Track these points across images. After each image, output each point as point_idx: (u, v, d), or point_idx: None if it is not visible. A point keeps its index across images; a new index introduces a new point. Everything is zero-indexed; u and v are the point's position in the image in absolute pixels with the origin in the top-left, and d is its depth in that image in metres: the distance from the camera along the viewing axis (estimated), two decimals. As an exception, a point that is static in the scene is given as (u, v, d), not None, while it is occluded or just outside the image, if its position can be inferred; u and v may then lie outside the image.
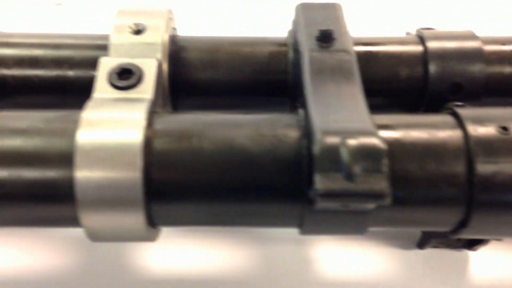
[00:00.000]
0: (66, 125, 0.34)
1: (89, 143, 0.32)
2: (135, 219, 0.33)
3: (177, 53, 0.43)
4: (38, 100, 0.44)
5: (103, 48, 0.42)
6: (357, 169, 0.27)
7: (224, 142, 0.33)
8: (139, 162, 0.32)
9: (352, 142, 0.28)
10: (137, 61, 0.38)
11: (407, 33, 0.49)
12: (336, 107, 0.33)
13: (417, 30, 0.47)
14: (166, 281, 0.45)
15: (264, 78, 0.44)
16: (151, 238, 0.35)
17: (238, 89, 0.44)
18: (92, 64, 0.43)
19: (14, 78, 0.43)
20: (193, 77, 0.44)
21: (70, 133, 0.33)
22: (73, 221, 0.34)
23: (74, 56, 0.43)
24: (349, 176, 0.27)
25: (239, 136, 0.34)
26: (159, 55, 0.40)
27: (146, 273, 0.45)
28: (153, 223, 0.34)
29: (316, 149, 0.28)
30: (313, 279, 0.45)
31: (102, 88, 0.36)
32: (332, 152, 0.28)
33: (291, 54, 0.43)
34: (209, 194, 0.33)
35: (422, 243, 0.45)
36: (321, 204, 0.29)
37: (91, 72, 0.43)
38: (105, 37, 0.43)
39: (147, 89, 0.37)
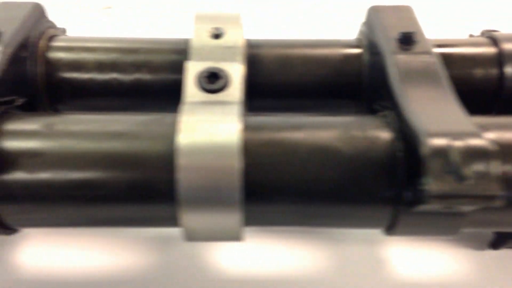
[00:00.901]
0: (164, 128, 0.35)
1: (189, 146, 0.33)
2: (232, 219, 0.34)
3: (253, 56, 0.44)
4: (115, 103, 0.45)
5: (181, 52, 0.44)
6: (468, 171, 0.28)
7: (317, 143, 0.34)
8: (237, 164, 0.32)
9: (460, 144, 0.29)
10: (223, 65, 0.39)
11: (470, 35, 0.49)
12: (433, 110, 0.33)
13: (485, 32, 0.47)
14: (240, 280, 0.45)
15: (338, 81, 0.45)
16: (241, 238, 0.36)
17: (311, 92, 0.45)
18: (171, 67, 0.44)
19: (94, 81, 0.44)
20: (268, 80, 0.44)
21: (169, 136, 0.34)
22: (172, 221, 0.35)
23: (153, 60, 0.44)
24: (461, 178, 0.28)
25: (331, 138, 0.34)
26: (239, 58, 0.41)
27: (221, 273, 0.45)
28: (247, 223, 0.35)
29: (425, 151, 0.29)
30: (385, 280, 0.45)
31: (192, 92, 0.37)
32: (442, 154, 0.29)
33: (366, 57, 0.44)
34: (303, 195, 0.34)
35: (496, 244, 0.45)
36: (427, 206, 0.29)
37: (169, 76, 0.44)
38: (183, 41, 0.45)
39: (235, 92, 0.37)
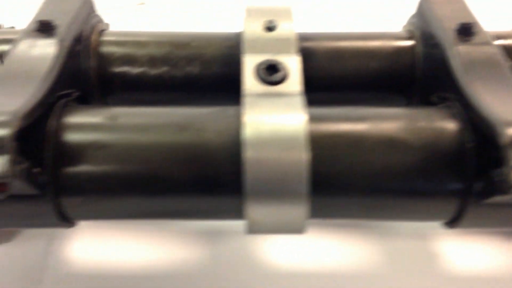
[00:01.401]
0: (228, 120, 0.34)
1: (256, 138, 0.32)
2: (297, 212, 0.33)
3: (305, 49, 0.43)
4: (165, 97, 0.45)
5: (233, 45, 0.43)
6: None
7: (383, 135, 0.34)
8: (304, 156, 0.32)
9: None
10: (280, 57, 0.38)
11: None
12: (503, 100, 0.32)
13: None
14: (290, 274, 0.45)
15: (390, 73, 0.44)
16: (304, 230, 0.35)
17: (362, 84, 0.45)
18: (222, 61, 0.44)
19: (145, 75, 0.44)
20: (320, 73, 0.44)
21: (234, 128, 0.33)
22: (235, 214, 0.34)
23: (204, 53, 0.44)
24: None
25: (397, 129, 0.34)
26: (293, 51, 0.41)
27: (272, 266, 0.45)
28: (312, 215, 0.34)
29: (504, 140, 0.28)
30: (439, 274, 0.45)
31: (251, 84, 0.37)
32: None
33: (420, 48, 0.43)
34: (369, 187, 0.33)
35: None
36: (503, 197, 0.29)
37: (221, 69, 0.44)
38: (234, 35, 0.44)
39: (294, 84, 0.37)
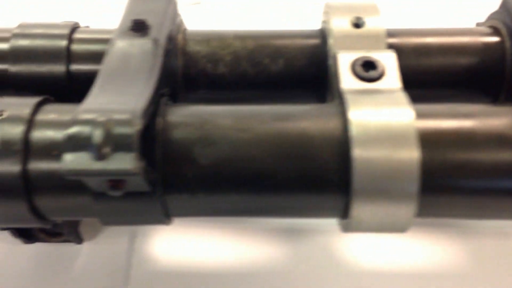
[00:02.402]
0: (331, 117, 0.34)
1: (364, 136, 0.32)
2: (405, 211, 0.33)
3: (392, 45, 0.43)
4: (250, 95, 0.45)
5: (318, 42, 0.43)
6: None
7: (493, 132, 0.33)
8: (415, 154, 0.32)
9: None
10: (375, 54, 0.38)
11: None
12: None
13: None
14: (371, 273, 0.45)
15: (477, 70, 0.43)
16: (408, 229, 0.35)
17: (449, 81, 0.44)
18: (308, 58, 0.44)
19: (230, 73, 0.44)
20: (407, 69, 0.43)
21: (339, 125, 0.33)
22: (339, 211, 0.34)
23: (289, 51, 0.44)
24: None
25: (507, 126, 0.33)
26: (382, 47, 0.40)
27: (353, 265, 0.45)
28: (419, 214, 0.34)
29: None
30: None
31: (348, 81, 0.37)
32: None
33: (509, 44, 0.42)
34: (480, 185, 0.33)
35: None
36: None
37: (307, 66, 0.44)
38: (317, 32, 0.44)
39: (393, 80, 0.37)
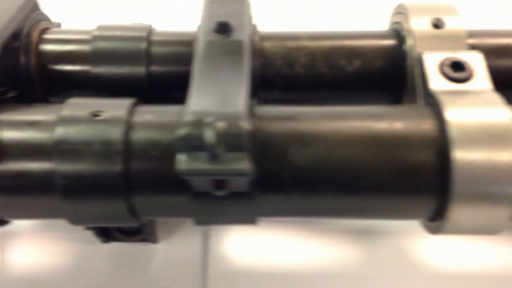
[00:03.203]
0: (424, 118, 0.34)
1: (464, 137, 0.32)
2: (502, 212, 0.33)
3: (474, 45, 0.42)
4: (321, 95, 0.45)
5: (394, 43, 0.43)
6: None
7: None
8: (516, 155, 0.31)
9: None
10: (462, 55, 0.38)
11: None
12: None
13: None
14: (446, 275, 0.44)
15: None
16: (502, 231, 0.35)
17: None
18: (385, 58, 0.43)
19: (306, 74, 0.44)
20: (489, 70, 0.43)
21: (434, 126, 0.33)
22: (432, 214, 0.34)
23: (366, 52, 0.44)
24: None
25: None
26: (463, 48, 0.40)
27: (428, 267, 0.45)
28: None
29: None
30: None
31: (436, 81, 0.37)
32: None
33: None
34: None
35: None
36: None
37: (383, 66, 0.43)
38: (391, 32, 0.44)
39: (482, 81, 0.36)
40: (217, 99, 0.32)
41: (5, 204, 0.34)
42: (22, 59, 0.42)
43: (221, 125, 0.29)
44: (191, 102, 0.32)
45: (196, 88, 0.34)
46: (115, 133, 0.33)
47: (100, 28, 0.44)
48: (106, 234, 0.44)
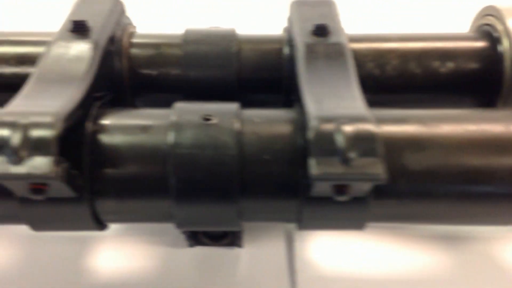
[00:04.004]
0: None
1: None
2: None
3: None
4: (411, 98, 0.44)
5: (487, 45, 0.43)
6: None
7: None
8: None
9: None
10: None
11: None
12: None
13: None
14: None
15: None
16: None
17: None
18: (475, 60, 0.43)
19: (398, 77, 0.43)
20: None
21: None
22: None
23: (458, 54, 0.43)
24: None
25: None
26: None
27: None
28: None
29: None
30: None
31: None
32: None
33: None
34: None
35: None
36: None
37: (476, 69, 0.43)
38: (480, 34, 0.44)
39: None
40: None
41: (116, 208, 0.34)
42: (116, 63, 0.42)
43: (351, 129, 0.29)
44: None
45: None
46: (228, 137, 0.33)
47: (188, 32, 0.44)
48: (195, 238, 0.44)
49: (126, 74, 0.43)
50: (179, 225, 0.35)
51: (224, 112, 0.34)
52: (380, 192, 0.33)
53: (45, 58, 0.36)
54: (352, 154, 0.28)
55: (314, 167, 0.28)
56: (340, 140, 0.29)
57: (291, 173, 0.33)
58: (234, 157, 0.32)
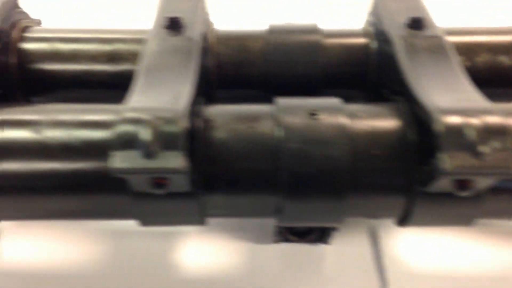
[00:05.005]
0: None
1: None
2: None
3: None
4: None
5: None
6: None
7: None
8: None
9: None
10: None
11: None
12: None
13: None
14: None
15: None
16: None
17: None
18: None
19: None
20: None
21: None
22: None
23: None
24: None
25: None
26: None
27: None
28: None
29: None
30: None
31: None
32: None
33: None
34: None
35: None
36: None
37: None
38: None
39: None
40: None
41: (223, 203, 0.34)
42: (205, 60, 0.42)
43: (480, 122, 0.28)
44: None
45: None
46: (338, 132, 0.32)
47: (272, 27, 0.44)
48: (280, 234, 0.44)
49: (214, 70, 0.43)
50: (284, 220, 0.35)
51: (329, 107, 0.34)
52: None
53: (148, 55, 0.37)
54: (483, 148, 0.28)
55: (445, 161, 0.28)
56: (471, 134, 0.28)
57: (402, 168, 0.32)
58: (344, 152, 0.32)
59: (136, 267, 0.44)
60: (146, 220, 0.35)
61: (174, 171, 0.28)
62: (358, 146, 0.33)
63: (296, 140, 0.32)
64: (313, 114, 0.33)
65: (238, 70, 0.44)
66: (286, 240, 0.45)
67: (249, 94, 0.44)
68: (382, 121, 0.34)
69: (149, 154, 0.28)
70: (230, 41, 0.44)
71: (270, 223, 0.45)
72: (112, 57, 0.42)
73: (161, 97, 0.32)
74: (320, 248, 0.45)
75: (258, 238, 0.46)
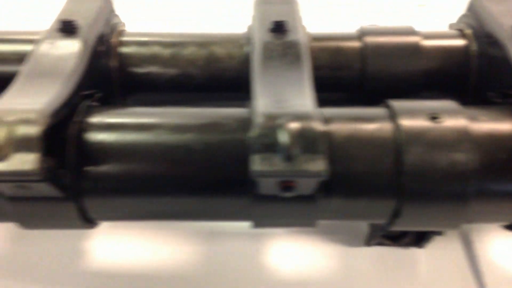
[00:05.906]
0: None
1: None
2: None
3: None
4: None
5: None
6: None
7: None
8: None
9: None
10: None
11: None
12: None
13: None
14: None
15: None
16: None
17: None
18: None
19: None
20: None
21: None
22: None
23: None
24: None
25: None
26: None
27: None
28: None
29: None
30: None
31: None
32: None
33: None
34: None
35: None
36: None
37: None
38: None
39: None
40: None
41: (340, 206, 0.34)
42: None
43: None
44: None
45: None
46: (464, 137, 0.32)
47: (365, 29, 0.44)
48: (375, 238, 0.44)
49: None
50: (399, 224, 0.35)
51: (449, 110, 0.34)
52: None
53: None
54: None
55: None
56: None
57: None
58: (471, 157, 0.32)
59: (227, 268, 0.44)
60: (262, 221, 0.35)
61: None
62: (483, 150, 0.32)
63: (420, 143, 0.32)
64: (434, 118, 0.33)
65: (333, 73, 0.44)
66: (380, 243, 0.45)
67: (340, 97, 0.44)
68: (505, 124, 0.33)
69: (289, 157, 0.28)
70: (324, 43, 0.44)
71: (362, 226, 0.45)
72: (209, 61, 0.43)
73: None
74: (412, 252, 0.45)
75: (350, 241, 0.46)
